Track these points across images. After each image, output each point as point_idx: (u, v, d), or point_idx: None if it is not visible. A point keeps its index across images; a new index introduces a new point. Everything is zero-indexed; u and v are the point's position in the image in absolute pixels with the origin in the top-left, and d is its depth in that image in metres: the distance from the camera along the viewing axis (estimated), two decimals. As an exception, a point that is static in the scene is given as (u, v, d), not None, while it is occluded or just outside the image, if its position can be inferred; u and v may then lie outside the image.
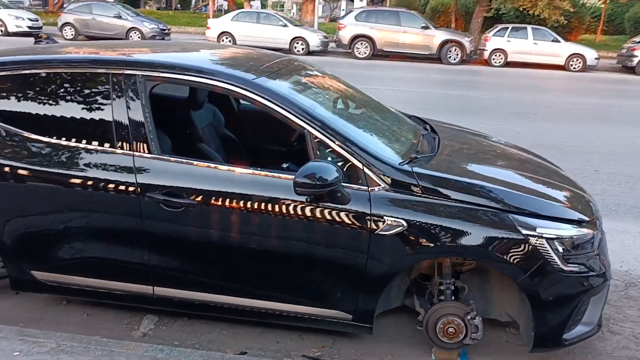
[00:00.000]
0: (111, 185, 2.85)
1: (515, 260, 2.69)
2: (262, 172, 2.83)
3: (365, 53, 19.04)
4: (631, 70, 18.81)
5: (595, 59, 18.92)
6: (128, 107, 2.88)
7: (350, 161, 2.77)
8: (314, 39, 19.64)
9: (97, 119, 2.92)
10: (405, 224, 2.69)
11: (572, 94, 14.07)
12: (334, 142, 2.78)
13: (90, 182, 2.87)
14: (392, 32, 18.96)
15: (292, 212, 2.75)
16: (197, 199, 2.80)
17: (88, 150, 2.90)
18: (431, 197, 2.74)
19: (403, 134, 3.36)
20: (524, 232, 2.68)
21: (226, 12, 33.94)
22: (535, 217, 2.74)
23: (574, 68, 18.79)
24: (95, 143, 2.90)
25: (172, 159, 2.88)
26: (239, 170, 2.86)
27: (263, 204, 2.77)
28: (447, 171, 2.90)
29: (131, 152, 2.87)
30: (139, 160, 2.86)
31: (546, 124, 9.37)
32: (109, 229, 2.96)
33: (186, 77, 2.92)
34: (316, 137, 2.79)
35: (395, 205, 2.72)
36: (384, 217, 2.69)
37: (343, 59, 18.99)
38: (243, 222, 2.82)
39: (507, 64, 19.03)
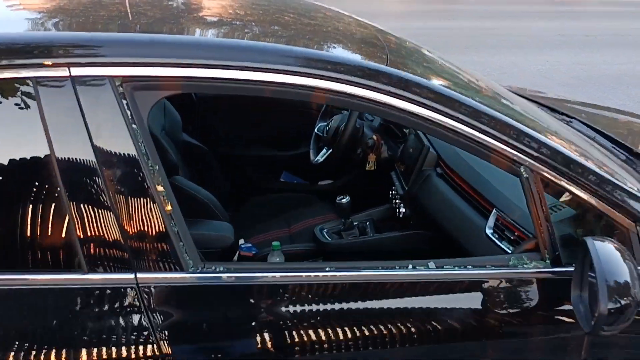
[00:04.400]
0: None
1: None
2: (446, 269, 1.32)
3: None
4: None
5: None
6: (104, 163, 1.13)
7: (609, 218, 1.36)
8: None
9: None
10: None
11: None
12: (584, 188, 1.34)
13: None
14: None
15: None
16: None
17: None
18: None
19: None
20: None
21: None
22: None
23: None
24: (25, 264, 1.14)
25: (237, 274, 1.23)
26: (404, 266, 1.30)
27: (446, 323, 1.34)
28: None
29: (131, 272, 1.14)
30: (149, 290, 1.16)
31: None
32: None
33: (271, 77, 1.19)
34: (550, 181, 1.32)
35: None
36: None
37: None
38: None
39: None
